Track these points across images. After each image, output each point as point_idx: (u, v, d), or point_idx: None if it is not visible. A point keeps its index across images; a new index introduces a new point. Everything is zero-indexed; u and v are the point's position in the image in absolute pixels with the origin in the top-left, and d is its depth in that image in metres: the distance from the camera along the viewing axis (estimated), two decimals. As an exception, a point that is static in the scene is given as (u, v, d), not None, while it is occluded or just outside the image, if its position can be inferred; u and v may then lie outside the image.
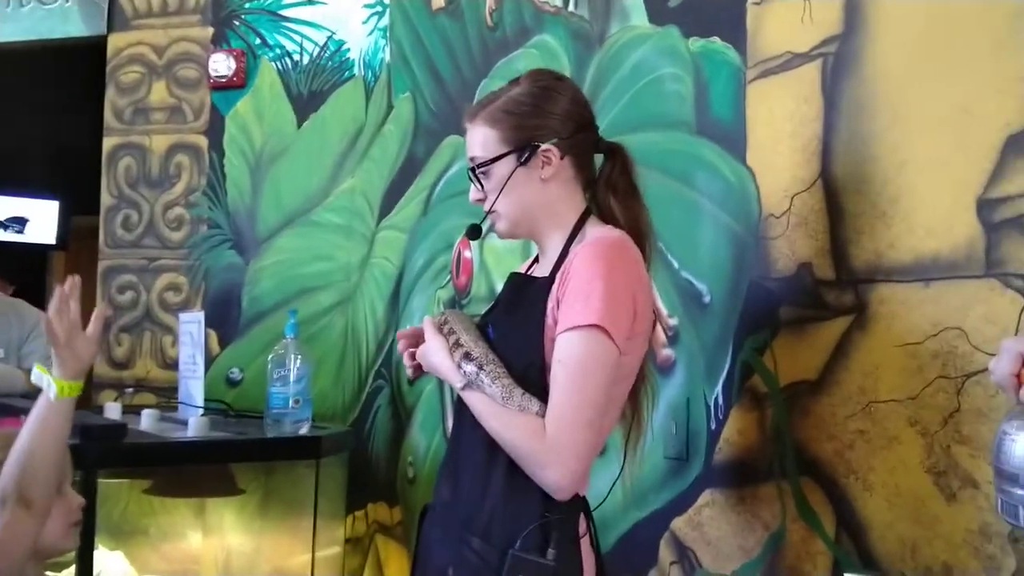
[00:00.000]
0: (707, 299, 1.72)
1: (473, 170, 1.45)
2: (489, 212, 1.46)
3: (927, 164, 1.36)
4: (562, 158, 1.42)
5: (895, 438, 1.39)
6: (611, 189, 1.44)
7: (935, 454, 1.33)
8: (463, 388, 1.37)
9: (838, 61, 1.49)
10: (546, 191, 1.43)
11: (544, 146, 1.41)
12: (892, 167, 1.40)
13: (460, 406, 1.42)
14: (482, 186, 1.45)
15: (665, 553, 1.78)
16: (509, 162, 1.42)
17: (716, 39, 1.72)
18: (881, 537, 1.40)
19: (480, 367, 1.35)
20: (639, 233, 1.42)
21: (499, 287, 1.63)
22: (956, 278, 1.31)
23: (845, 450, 1.46)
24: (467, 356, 1.37)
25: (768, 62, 1.62)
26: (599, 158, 1.49)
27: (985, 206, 1.28)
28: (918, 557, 1.35)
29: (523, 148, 1.41)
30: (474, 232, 1.52)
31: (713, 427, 1.69)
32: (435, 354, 1.41)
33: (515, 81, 1.48)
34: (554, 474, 1.29)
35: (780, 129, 1.59)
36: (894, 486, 1.39)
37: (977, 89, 1.29)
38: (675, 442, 1.77)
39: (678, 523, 1.75)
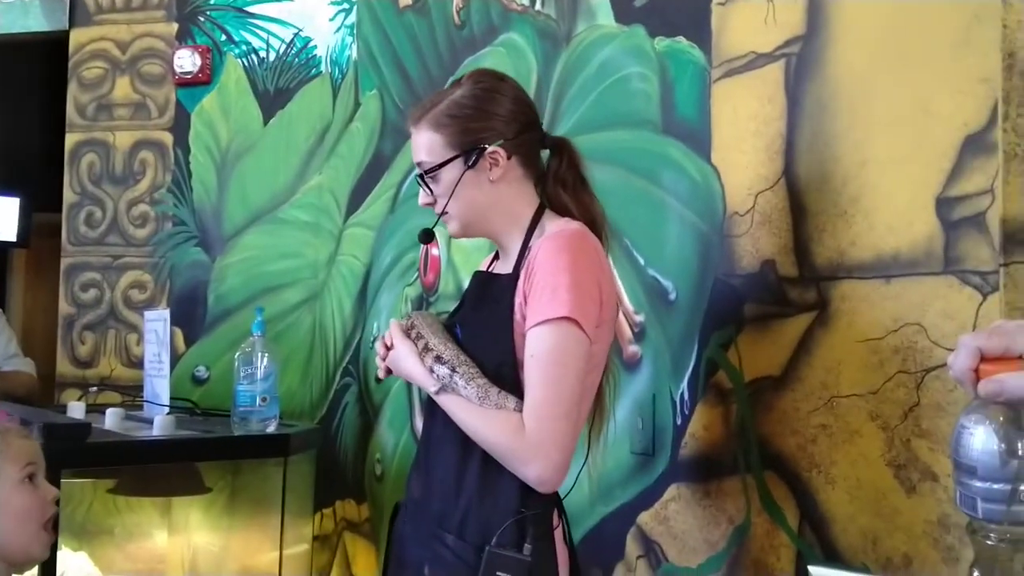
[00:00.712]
0: (673, 296, 1.73)
1: (421, 175, 1.46)
2: (440, 215, 1.47)
3: (887, 163, 1.38)
4: (509, 158, 1.43)
5: (856, 432, 1.41)
6: (560, 183, 1.45)
7: (895, 447, 1.36)
8: (437, 392, 1.37)
9: (801, 61, 1.51)
10: (496, 191, 1.44)
11: (491, 148, 1.42)
12: (853, 166, 1.42)
13: (431, 405, 1.42)
14: (431, 190, 1.46)
15: (632, 547, 1.80)
16: (456, 166, 1.42)
17: (681, 39, 1.74)
18: (843, 530, 1.42)
19: (453, 369, 1.35)
20: (594, 223, 1.44)
21: (467, 284, 1.63)
22: (916, 275, 1.34)
23: (808, 444, 1.48)
24: (438, 359, 1.37)
25: (732, 62, 1.64)
26: (546, 154, 1.50)
27: (944, 204, 1.30)
28: (879, 549, 1.37)
29: (469, 151, 1.42)
30: (426, 236, 1.52)
31: (679, 422, 1.71)
32: (404, 359, 1.41)
33: (456, 83, 1.48)
34: (537, 468, 1.30)
35: (744, 128, 1.61)
36: (855, 479, 1.41)
37: (936, 89, 1.32)
38: (641, 437, 1.78)
39: (644, 517, 1.77)
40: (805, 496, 1.48)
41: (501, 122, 1.43)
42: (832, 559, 1.43)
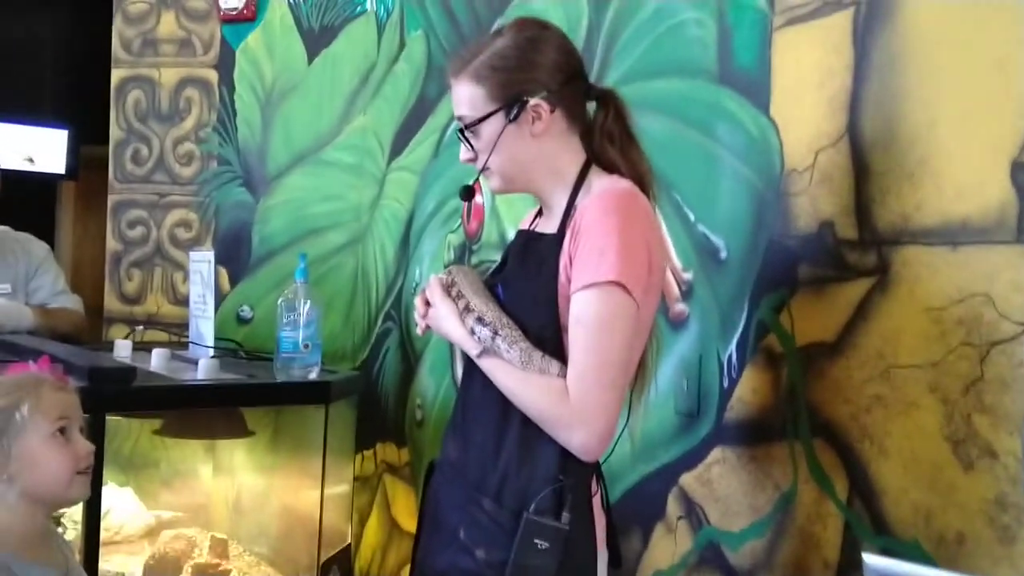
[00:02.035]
0: (724, 254, 1.68)
1: (461, 130, 1.41)
2: (481, 170, 1.42)
3: (959, 123, 1.30)
4: (553, 111, 1.37)
5: (913, 404, 1.36)
6: (607, 137, 1.39)
7: (955, 422, 1.30)
8: (479, 356, 1.34)
9: (871, 10, 1.42)
10: (539, 146, 1.38)
11: (533, 101, 1.36)
12: (922, 125, 1.34)
13: (468, 366, 1.40)
14: (471, 145, 1.41)
15: (673, 507, 1.77)
16: (498, 120, 1.37)
17: (742, -17, 1.65)
18: (895, 503, 1.38)
19: (495, 332, 1.32)
20: (642, 181, 1.38)
21: (510, 234, 1.59)
22: (985, 243, 1.27)
23: (861, 414, 1.43)
24: (480, 320, 1.33)
25: (796, 9, 1.55)
26: (592, 106, 1.43)
27: (1019, 169, 1.23)
28: (932, 524, 1.33)
29: (511, 104, 1.36)
30: (467, 193, 1.47)
31: (726, 385, 1.67)
32: (445, 319, 1.38)
33: (498, 32, 1.42)
34: (581, 435, 1.28)
35: (807, 80, 1.53)
36: (910, 452, 1.36)
37: (1015, 45, 1.23)
38: (686, 398, 1.75)
39: (687, 479, 1.74)
40: (856, 467, 1.44)
41: (544, 73, 1.37)
42: (882, 532, 1.39)
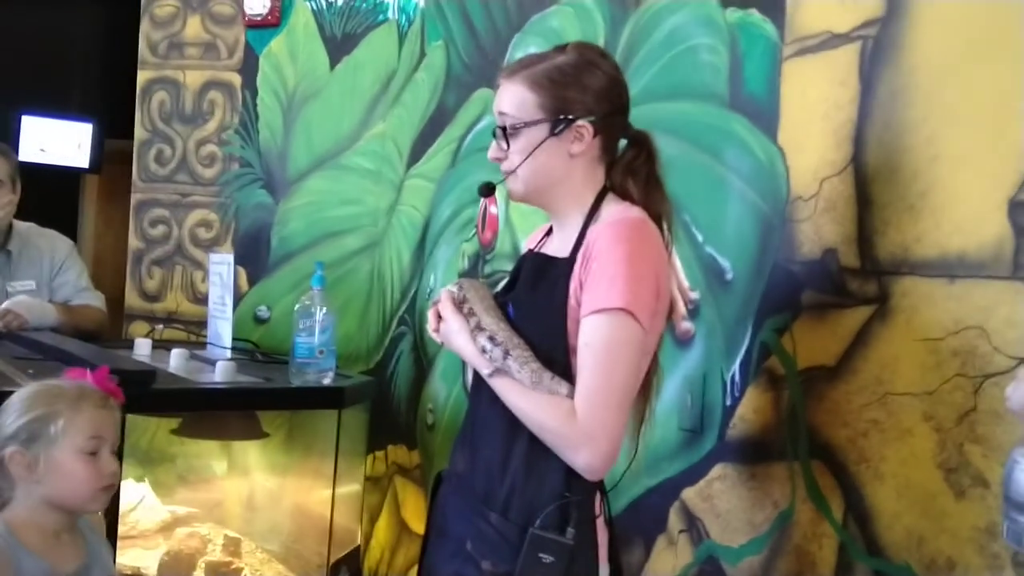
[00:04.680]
0: (730, 276, 1.71)
1: (503, 128, 1.43)
2: (509, 173, 1.45)
3: (960, 160, 1.33)
4: (594, 137, 1.41)
5: (909, 431, 1.39)
6: (631, 174, 1.42)
7: (948, 450, 1.34)
8: (491, 375, 1.37)
9: (877, 45, 1.46)
10: (571, 166, 1.41)
11: (580, 122, 1.39)
12: (924, 160, 1.38)
13: (477, 381, 1.44)
14: (507, 144, 1.43)
15: (675, 521, 1.81)
16: (542, 129, 1.40)
17: (754, 11, 1.69)
18: (888, 526, 1.42)
19: (506, 352, 1.35)
20: (658, 218, 1.41)
21: (523, 245, 1.63)
22: (982, 278, 1.30)
23: (858, 438, 1.47)
24: (492, 340, 1.36)
25: (806, 40, 1.59)
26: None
27: (1017, 207, 1.26)
28: (923, 549, 1.37)
29: (558, 119, 1.39)
30: (487, 190, 1.50)
31: (728, 403, 1.71)
32: (456, 336, 1.41)
33: (560, 48, 1.45)
34: (587, 456, 1.31)
35: (814, 110, 1.56)
36: (904, 477, 1.40)
37: (1016, 86, 1.26)
38: (690, 414, 1.78)
39: (689, 493, 1.78)
40: (852, 489, 1.47)
41: (595, 98, 1.40)
42: (875, 554, 1.43)
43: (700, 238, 1.77)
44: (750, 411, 1.67)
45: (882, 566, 1.41)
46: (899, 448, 1.40)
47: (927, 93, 1.38)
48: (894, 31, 1.43)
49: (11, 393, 1.45)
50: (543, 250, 1.49)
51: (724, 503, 1.71)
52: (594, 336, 1.31)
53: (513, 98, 1.41)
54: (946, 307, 1.34)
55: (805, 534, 1.55)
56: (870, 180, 1.46)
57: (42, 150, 5.20)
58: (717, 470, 1.72)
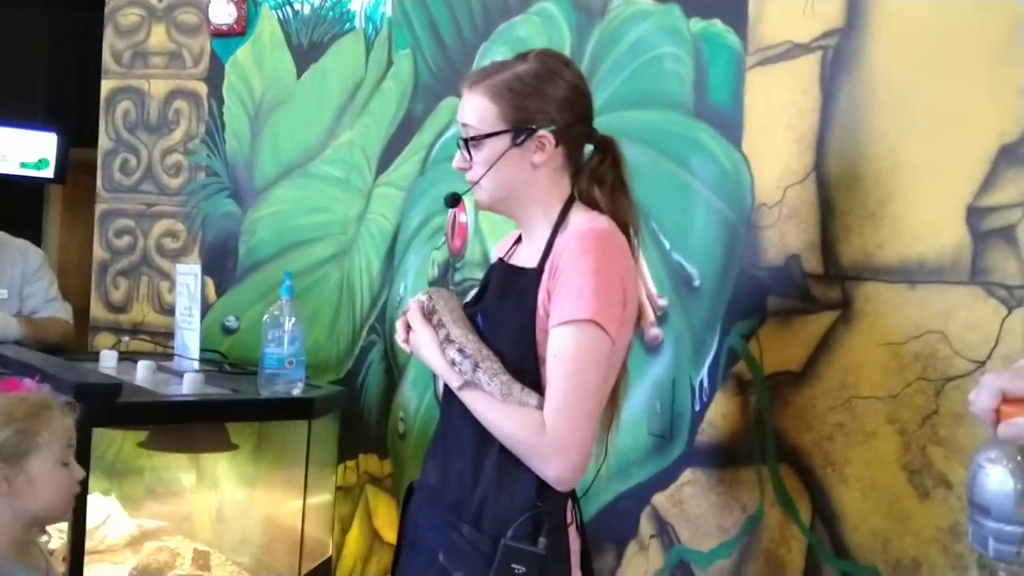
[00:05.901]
0: (697, 283, 1.73)
1: (465, 140, 1.43)
2: (473, 184, 1.45)
3: (919, 168, 1.36)
4: (557, 146, 1.41)
5: (873, 434, 1.42)
6: (597, 181, 1.43)
7: (911, 452, 1.36)
8: (460, 388, 1.37)
9: (838, 56, 1.48)
10: (534, 176, 1.42)
11: (542, 132, 1.40)
12: (885, 169, 1.40)
13: (447, 393, 1.44)
14: (470, 155, 1.43)
15: (646, 526, 1.82)
16: (503, 140, 1.40)
17: (718, 21, 1.71)
18: (854, 528, 1.44)
19: (476, 365, 1.35)
20: (626, 226, 1.42)
21: (493, 253, 1.63)
22: (941, 283, 1.32)
23: (824, 441, 1.49)
24: (461, 352, 1.36)
25: (768, 50, 1.61)
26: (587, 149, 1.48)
27: (974, 214, 1.29)
28: (889, 550, 1.39)
29: (520, 129, 1.40)
30: (453, 200, 1.50)
31: (697, 409, 1.72)
32: (426, 347, 1.41)
33: (523, 57, 1.45)
34: (556, 467, 1.31)
35: (776, 119, 1.58)
36: (869, 480, 1.42)
37: (973, 97, 1.29)
38: (659, 420, 1.80)
39: (659, 498, 1.80)
40: (818, 492, 1.49)
41: (556, 108, 1.40)
42: (842, 556, 1.45)
43: (667, 245, 1.79)
44: (719, 416, 1.68)
45: (849, 568, 1.44)
46: (864, 451, 1.43)
47: (886, 104, 1.41)
48: (854, 42, 1.46)
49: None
50: (512, 260, 1.50)
51: (694, 508, 1.72)
52: (563, 347, 1.32)
53: (474, 109, 1.42)
54: (907, 312, 1.37)
55: (773, 537, 1.57)
56: (832, 188, 1.49)
57: (4, 159, 5.14)
58: (687, 475, 1.74)
